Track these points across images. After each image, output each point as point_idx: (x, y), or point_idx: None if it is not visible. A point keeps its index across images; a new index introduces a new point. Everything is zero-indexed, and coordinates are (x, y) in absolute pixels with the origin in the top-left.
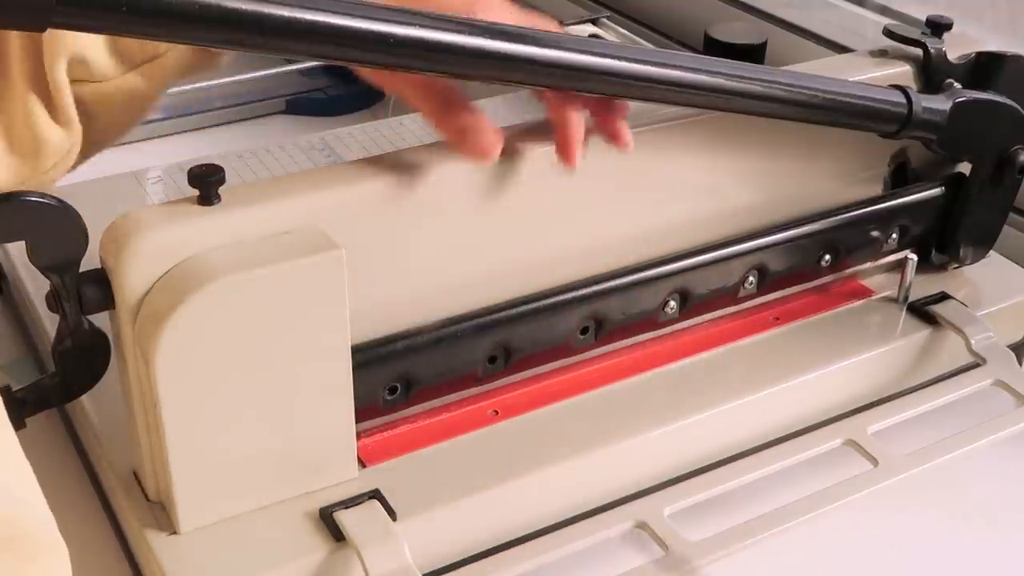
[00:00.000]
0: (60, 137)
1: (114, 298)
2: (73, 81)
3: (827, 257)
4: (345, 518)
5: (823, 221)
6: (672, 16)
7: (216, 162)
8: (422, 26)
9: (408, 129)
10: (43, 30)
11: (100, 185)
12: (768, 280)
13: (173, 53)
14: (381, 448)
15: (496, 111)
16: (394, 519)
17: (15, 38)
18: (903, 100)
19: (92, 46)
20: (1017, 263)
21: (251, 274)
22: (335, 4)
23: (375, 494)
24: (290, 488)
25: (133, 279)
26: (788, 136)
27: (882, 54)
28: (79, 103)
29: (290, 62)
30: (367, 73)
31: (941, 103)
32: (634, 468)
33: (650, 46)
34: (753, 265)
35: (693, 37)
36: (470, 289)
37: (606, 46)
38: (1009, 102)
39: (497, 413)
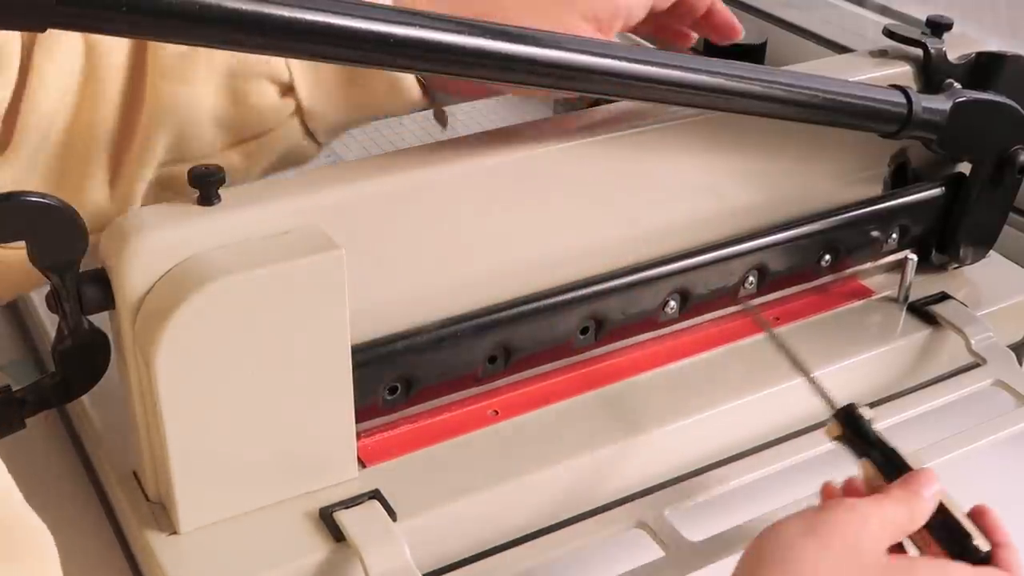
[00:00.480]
0: (109, 212)
1: (114, 298)
2: (163, 163)
3: (827, 257)
4: (345, 518)
5: (823, 221)
6: None
7: None
8: (422, 26)
9: (408, 129)
10: (43, 30)
11: None
12: (768, 280)
13: (281, 131)
14: (381, 448)
15: (496, 111)
16: (394, 519)
17: (115, 103)
18: (903, 100)
19: (196, 118)
20: (1017, 263)
21: (251, 274)
22: (335, 4)
23: (375, 494)
24: (290, 488)
25: (133, 279)
26: (788, 136)
27: (882, 54)
28: (162, 182)
29: None
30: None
31: (941, 103)
32: (634, 468)
33: (650, 46)
34: (753, 265)
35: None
36: (470, 289)
37: (606, 46)
38: (1009, 102)
39: (497, 413)
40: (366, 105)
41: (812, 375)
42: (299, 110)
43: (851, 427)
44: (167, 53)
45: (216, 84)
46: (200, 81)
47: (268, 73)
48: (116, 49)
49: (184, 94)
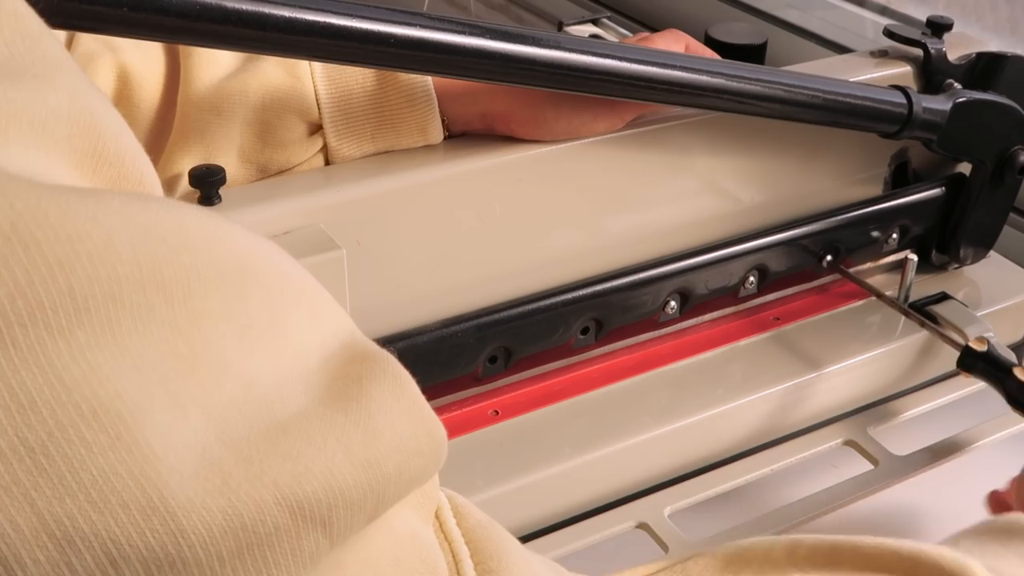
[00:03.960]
0: None
1: None
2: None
3: (828, 257)
4: None
5: (823, 221)
6: (672, 16)
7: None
8: (422, 26)
9: None
10: None
11: None
12: (769, 280)
13: (311, 163)
14: None
15: None
16: None
17: (144, 130)
18: (903, 100)
19: (222, 149)
20: (1017, 263)
21: None
22: (335, 4)
23: None
24: None
25: None
26: (789, 136)
27: (882, 54)
28: None
29: None
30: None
31: (941, 103)
32: (634, 468)
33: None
34: (754, 265)
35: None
36: (470, 289)
37: (607, 47)
38: (1009, 102)
39: (497, 413)
40: (392, 145)
41: (930, 324)
42: (325, 147)
43: (990, 351)
44: (201, 83)
45: (245, 118)
46: (230, 112)
47: (298, 110)
48: (150, 75)
49: (213, 125)
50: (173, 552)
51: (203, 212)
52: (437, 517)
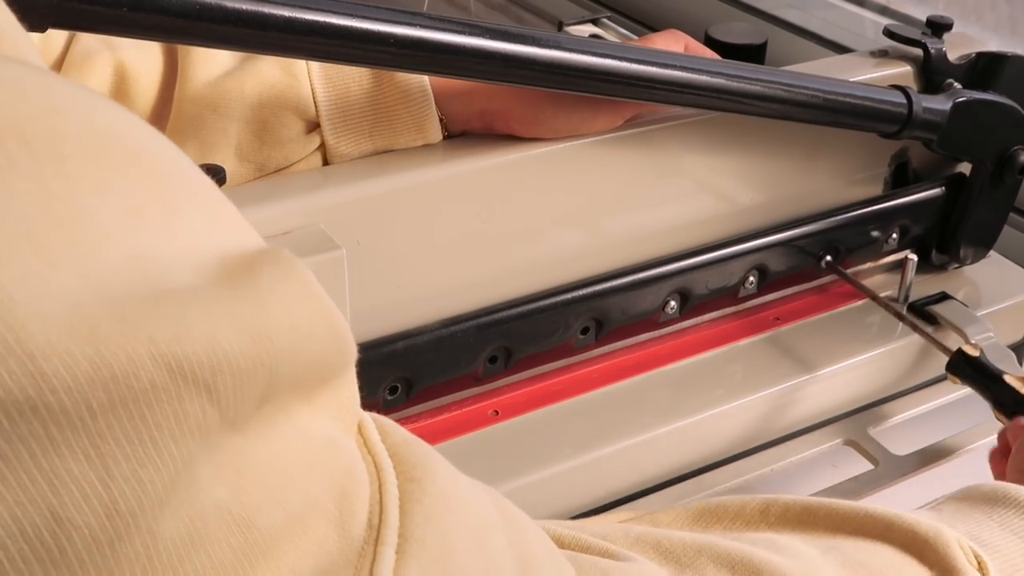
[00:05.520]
0: None
1: None
2: None
3: (827, 257)
4: None
5: (823, 221)
6: (672, 16)
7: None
8: (422, 26)
9: None
10: (43, 30)
11: None
12: (768, 280)
13: (308, 161)
14: None
15: None
16: None
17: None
18: (903, 100)
19: (220, 150)
20: (1017, 263)
21: None
22: (335, 4)
23: None
24: None
25: None
26: (789, 136)
27: (882, 54)
28: None
29: None
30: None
31: (941, 103)
32: (634, 468)
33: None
34: (754, 265)
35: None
36: (470, 289)
37: (607, 47)
38: (1009, 102)
39: (497, 413)
40: (389, 144)
41: (926, 330)
42: (323, 146)
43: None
44: (198, 80)
45: (242, 116)
46: (227, 110)
47: (295, 108)
48: (147, 72)
49: (209, 122)
50: (34, 395)
51: (86, 89)
52: (360, 433)
